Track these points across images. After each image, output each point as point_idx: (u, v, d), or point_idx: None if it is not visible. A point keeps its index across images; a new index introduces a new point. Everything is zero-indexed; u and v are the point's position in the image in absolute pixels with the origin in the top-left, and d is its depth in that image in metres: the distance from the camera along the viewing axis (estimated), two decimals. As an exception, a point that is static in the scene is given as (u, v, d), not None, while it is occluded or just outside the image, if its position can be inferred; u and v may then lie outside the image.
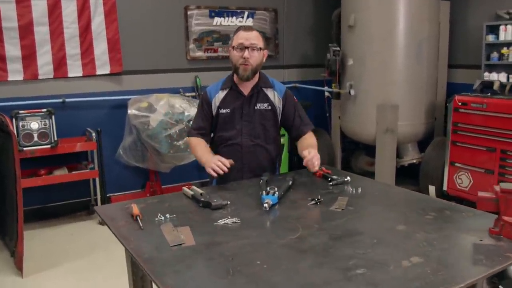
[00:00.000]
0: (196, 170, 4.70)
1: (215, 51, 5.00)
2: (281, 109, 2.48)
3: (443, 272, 1.34)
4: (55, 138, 3.97)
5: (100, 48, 4.36)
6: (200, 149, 2.41)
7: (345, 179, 2.26)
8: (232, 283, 1.32)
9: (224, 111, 2.44)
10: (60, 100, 4.23)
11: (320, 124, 5.23)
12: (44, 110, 3.97)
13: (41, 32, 4.10)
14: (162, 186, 4.66)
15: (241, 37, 2.34)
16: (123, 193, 4.59)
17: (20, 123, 3.85)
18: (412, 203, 2.03)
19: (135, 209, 1.85)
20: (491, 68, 4.42)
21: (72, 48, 4.24)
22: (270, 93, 2.47)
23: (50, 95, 4.22)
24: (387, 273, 1.35)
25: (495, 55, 4.36)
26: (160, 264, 1.44)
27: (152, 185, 4.60)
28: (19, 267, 3.29)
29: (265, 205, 1.90)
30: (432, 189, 4.39)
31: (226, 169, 2.22)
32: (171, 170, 4.50)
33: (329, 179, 2.26)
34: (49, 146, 3.93)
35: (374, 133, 4.54)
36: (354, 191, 2.14)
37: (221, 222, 1.77)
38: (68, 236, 3.98)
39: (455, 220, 1.80)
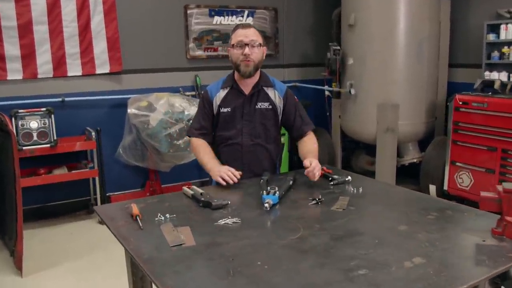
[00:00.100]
0: (196, 170, 4.68)
1: (215, 50, 4.99)
2: (281, 109, 2.47)
3: (446, 273, 1.33)
4: (55, 137, 3.96)
5: (100, 47, 4.34)
6: (204, 152, 2.40)
7: (346, 179, 2.25)
8: (232, 283, 1.31)
9: (225, 110, 2.43)
10: (60, 99, 4.22)
11: (320, 124, 5.21)
12: (44, 109, 3.96)
13: (41, 31, 4.08)
14: (162, 185, 4.65)
15: (240, 35, 2.33)
16: (122, 192, 4.58)
17: (20, 122, 3.84)
18: (413, 203, 2.02)
19: (135, 209, 1.84)
20: (491, 67, 4.41)
21: (72, 47, 4.23)
22: (271, 92, 2.45)
23: (50, 94, 4.21)
24: (389, 274, 1.34)
25: (496, 54, 4.34)
26: (160, 265, 1.43)
27: (152, 184, 4.59)
28: (18, 266, 3.28)
29: (266, 205, 1.89)
30: (432, 188, 4.38)
31: (236, 180, 2.22)
32: (171, 169, 4.49)
33: (330, 178, 2.25)
34: (48, 145, 3.92)
35: (374, 132, 4.53)
36: (355, 191, 2.14)
37: (222, 222, 1.76)
38: (67, 236, 3.97)
39: (457, 220, 1.79)
